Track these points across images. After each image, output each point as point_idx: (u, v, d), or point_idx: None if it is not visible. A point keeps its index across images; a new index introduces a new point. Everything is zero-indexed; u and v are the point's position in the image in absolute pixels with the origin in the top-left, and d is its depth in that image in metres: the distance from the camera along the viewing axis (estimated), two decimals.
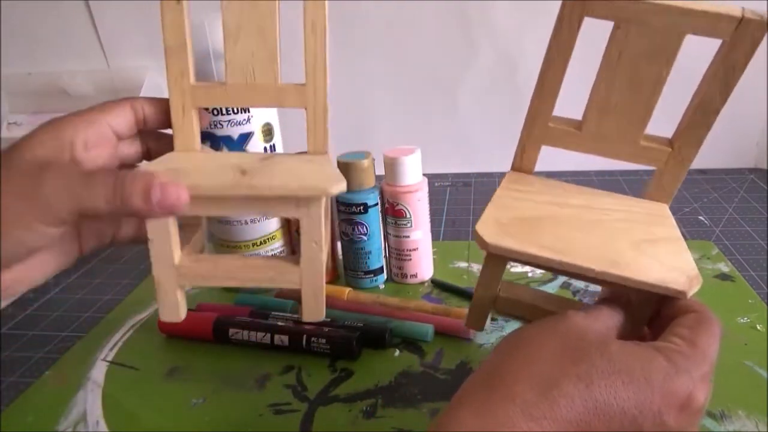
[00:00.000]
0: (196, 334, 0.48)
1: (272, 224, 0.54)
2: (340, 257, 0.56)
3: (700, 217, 0.66)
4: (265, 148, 0.51)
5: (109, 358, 0.48)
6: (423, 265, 0.55)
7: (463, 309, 0.49)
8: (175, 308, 0.32)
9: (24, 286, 0.30)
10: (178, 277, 0.31)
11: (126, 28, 0.86)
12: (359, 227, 0.52)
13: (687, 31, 0.29)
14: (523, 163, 0.37)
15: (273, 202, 0.31)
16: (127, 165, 0.35)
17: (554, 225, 0.32)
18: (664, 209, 0.34)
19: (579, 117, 0.35)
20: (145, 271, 0.63)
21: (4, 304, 0.30)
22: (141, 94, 0.76)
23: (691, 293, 0.28)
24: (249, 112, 0.49)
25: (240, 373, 0.45)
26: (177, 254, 0.31)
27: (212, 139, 0.49)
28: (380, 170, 0.52)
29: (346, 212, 0.52)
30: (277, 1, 0.33)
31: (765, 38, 0.29)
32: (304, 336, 0.45)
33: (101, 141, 0.32)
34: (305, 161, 0.34)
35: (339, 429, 0.38)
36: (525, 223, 0.32)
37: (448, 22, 0.80)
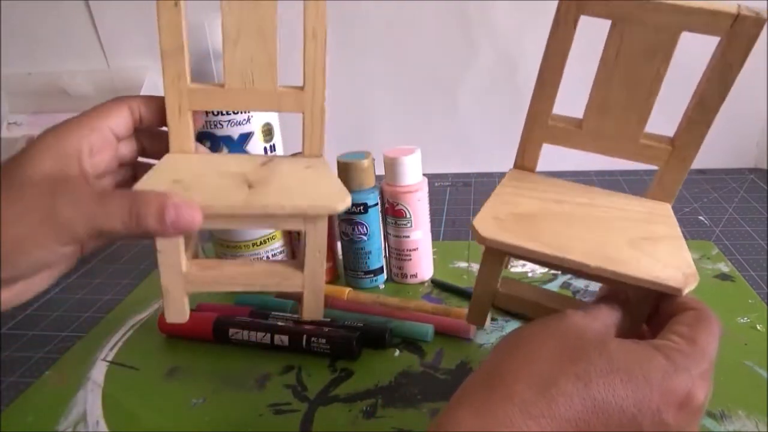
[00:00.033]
0: (196, 334, 0.48)
1: None
2: (340, 257, 0.57)
3: (700, 217, 0.66)
4: (265, 149, 0.51)
5: (109, 358, 0.48)
6: (423, 265, 0.55)
7: (463, 309, 0.49)
8: (181, 311, 0.33)
9: (25, 298, 0.30)
10: (185, 284, 0.32)
11: (126, 28, 0.86)
12: (359, 227, 0.52)
13: (682, 29, 0.29)
14: (525, 161, 0.37)
15: (282, 219, 0.32)
16: (124, 164, 0.35)
17: (552, 221, 0.32)
18: (666, 209, 0.34)
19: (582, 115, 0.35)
20: (145, 271, 0.63)
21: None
22: (140, 94, 0.76)
23: (686, 291, 0.28)
24: (249, 112, 0.49)
25: (240, 373, 0.45)
26: (184, 263, 0.32)
27: (212, 139, 0.49)
28: (380, 170, 0.52)
29: (346, 212, 0.52)
30: (276, 6, 0.33)
31: (764, 36, 0.29)
32: (304, 336, 0.45)
33: (104, 146, 0.32)
34: (304, 166, 0.35)
35: (339, 429, 0.38)
36: (522, 219, 0.32)
37: (448, 22, 0.80)
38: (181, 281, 0.32)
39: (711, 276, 0.53)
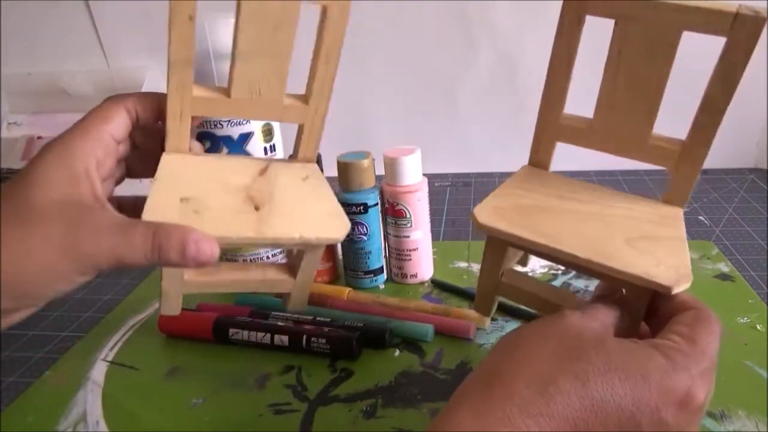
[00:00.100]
0: (196, 334, 0.48)
1: None
2: (340, 257, 0.57)
3: (700, 217, 0.66)
4: (265, 149, 0.51)
5: (109, 358, 0.48)
6: (423, 265, 0.55)
7: (463, 309, 0.49)
8: (175, 309, 0.35)
9: (26, 315, 0.30)
10: (183, 287, 0.34)
11: (126, 28, 0.86)
12: (359, 227, 0.52)
13: (683, 28, 0.29)
14: (539, 159, 0.37)
15: (288, 244, 0.34)
16: (120, 161, 0.35)
17: (552, 214, 0.32)
18: (677, 212, 0.34)
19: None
20: (145, 271, 0.63)
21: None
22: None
23: (677, 290, 0.27)
24: None
25: (240, 373, 0.45)
26: (186, 270, 0.33)
27: (212, 139, 0.49)
28: (380, 170, 0.52)
29: (346, 212, 0.52)
30: (296, 30, 0.33)
31: (764, 36, 0.29)
32: (304, 336, 0.45)
33: (108, 155, 0.32)
34: (301, 178, 0.36)
35: (339, 429, 0.38)
36: (523, 210, 0.32)
37: (448, 22, 0.80)
38: (181, 285, 0.34)
39: (711, 276, 0.53)
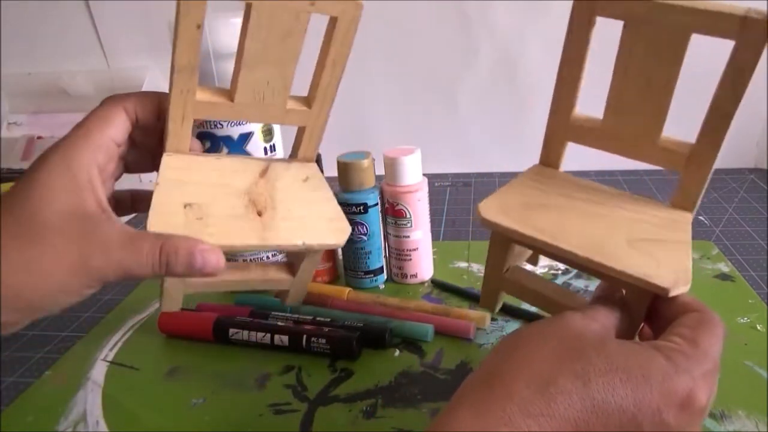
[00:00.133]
0: (196, 334, 0.48)
1: None
2: (340, 257, 0.57)
3: (700, 217, 0.66)
4: (265, 149, 0.51)
5: (109, 358, 0.48)
6: (423, 265, 0.55)
7: (463, 309, 0.49)
8: (176, 305, 0.35)
9: (30, 322, 0.30)
10: (185, 287, 0.34)
11: (126, 28, 0.86)
12: (359, 227, 0.52)
13: (692, 30, 0.29)
14: (549, 158, 0.37)
15: (290, 251, 0.35)
16: (118, 160, 0.35)
17: (557, 212, 0.33)
18: (685, 217, 0.34)
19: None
20: None
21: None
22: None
23: (674, 292, 0.27)
24: None
25: (240, 373, 0.45)
26: None
27: (212, 139, 0.49)
28: (380, 170, 0.52)
29: (346, 212, 0.52)
30: (303, 39, 0.33)
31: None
32: (304, 336, 0.45)
33: (110, 159, 0.32)
34: (302, 179, 0.37)
35: (339, 429, 0.38)
36: (527, 208, 0.33)
37: (448, 22, 0.80)
38: (182, 285, 0.34)
39: (711, 276, 0.53)
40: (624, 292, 0.31)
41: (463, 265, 0.59)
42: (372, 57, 0.81)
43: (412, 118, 0.86)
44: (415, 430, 0.38)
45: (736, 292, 0.51)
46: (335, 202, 0.37)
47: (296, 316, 0.49)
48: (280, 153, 0.53)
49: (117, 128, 0.32)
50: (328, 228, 0.35)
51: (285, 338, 0.46)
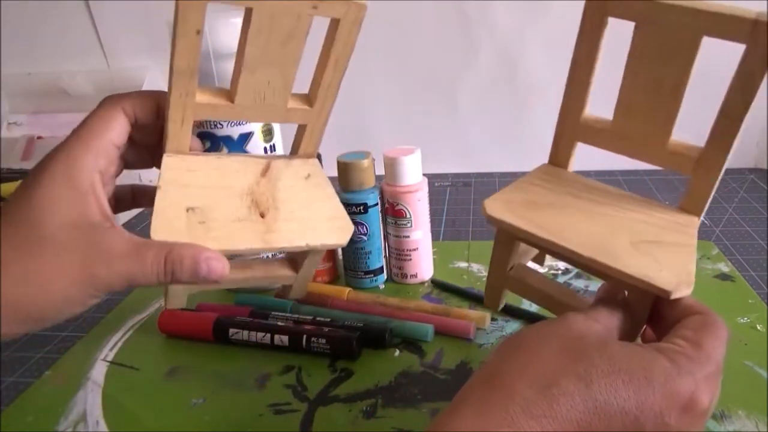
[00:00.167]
0: (196, 334, 0.48)
1: None
2: (340, 257, 0.56)
3: None
4: (265, 149, 0.51)
5: (109, 358, 0.48)
6: (423, 265, 0.55)
7: (463, 309, 0.49)
8: (179, 303, 0.36)
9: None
10: (188, 287, 0.34)
11: (126, 28, 0.86)
12: (359, 227, 0.52)
13: (702, 33, 0.29)
14: (558, 158, 0.37)
15: (293, 251, 0.35)
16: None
17: (562, 211, 0.33)
18: (692, 221, 0.33)
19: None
20: None
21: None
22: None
23: (676, 295, 0.27)
24: None
25: (240, 373, 0.45)
26: None
27: (212, 139, 0.49)
28: (380, 170, 0.52)
29: (347, 212, 0.52)
30: (305, 42, 0.33)
31: None
32: (304, 336, 0.45)
33: (110, 164, 0.32)
34: (303, 176, 0.36)
35: (339, 429, 0.38)
36: (532, 205, 0.33)
37: (448, 22, 0.80)
38: (187, 285, 0.34)
39: (711, 276, 0.53)
40: (626, 293, 0.31)
41: (463, 265, 0.59)
42: (372, 57, 0.81)
43: (412, 118, 0.86)
44: (415, 430, 0.38)
45: (736, 292, 0.51)
46: (337, 199, 0.36)
47: (296, 316, 0.49)
48: (280, 153, 0.53)
49: (117, 131, 0.32)
50: (331, 227, 0.35)
51: (285, 338, 0.46)
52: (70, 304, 0.29)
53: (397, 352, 0.46)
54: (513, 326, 0.48)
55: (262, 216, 0.33)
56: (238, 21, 0.32)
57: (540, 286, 0.34)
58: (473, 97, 0.84)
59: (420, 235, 0.54)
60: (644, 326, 0.31)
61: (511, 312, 0.49)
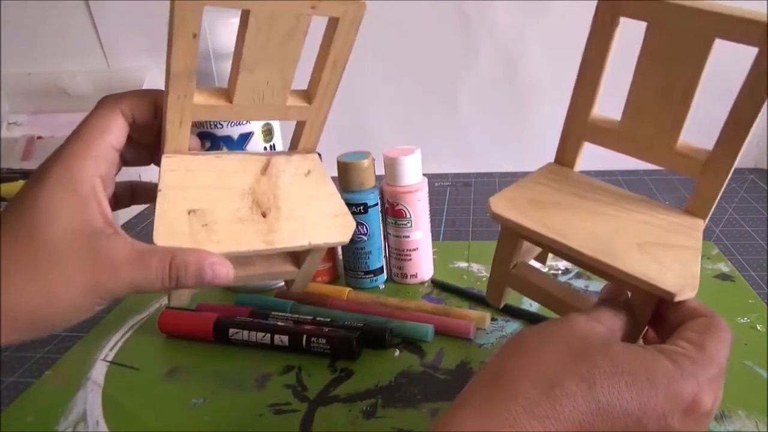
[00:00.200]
0: (196, 334, 0.48)
1: None
2: (340, 257, 0.56)
3: None
4: (265, 149, 0.51)
5: (109, 358, 0.48)
6: (423, 265, 0.55)
7: (463, 309, 0.49)
8: (184, 302, 0.36)
9: None
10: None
11: (126, 28, 0.86)
12: (359, 227, 0.52)
13: (715, 35, 0.29)
14: (564, 157, 0.37)
15: (296, 250, 0.35)
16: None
17: (567, 211, 0.32)
18: (696, 224, 0.33)
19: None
20: None
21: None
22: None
23: (680, 297, 0.27)
24: None
25: (240, 373, 0.45)
26: None
27: (212, 139, 0.49)
28: (380, 170, 0.52)
29: None
30: (303, 42, 0.33)
31: None
32: (304, 336, 0.45)
33: (110, 167, 0.32)
34: (303, 173, 0.36)
35: (339, 429, 0.38)
36: (537, 204, 0.33)
37: (448, 22, 0.80)
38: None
39: (711, 276, 0.53)
40: (629, 294, 0.31)
41: (463, 265, 0.59)
42: (372, 57, 0.81)
43: (412, 118, 0.86)
44: (415, 430, 0.38)
45: (736, 292, 0.51)
46: (338, 196, 0.36)
47: (296, 316, 0.49)
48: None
49: (116, 134, 0.31)
50: (333, 225, 0.35)
51: (285, 338, 0.46)
52: (76, 312, 0.29)
53: (397, 352, 0.46)
54: (513, 326, 0.48)
55: (264, 216, 0.33)
56: (237, 21, 0.32)
57: (542, 285, 0.34)
58: (473, 97, 0.84)
59: (420, 235, 0.54)
60: (646, 328, 0.31)
61: (511, 312, 0.49)
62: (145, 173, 0.79)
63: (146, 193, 0.38)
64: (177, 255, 0.30)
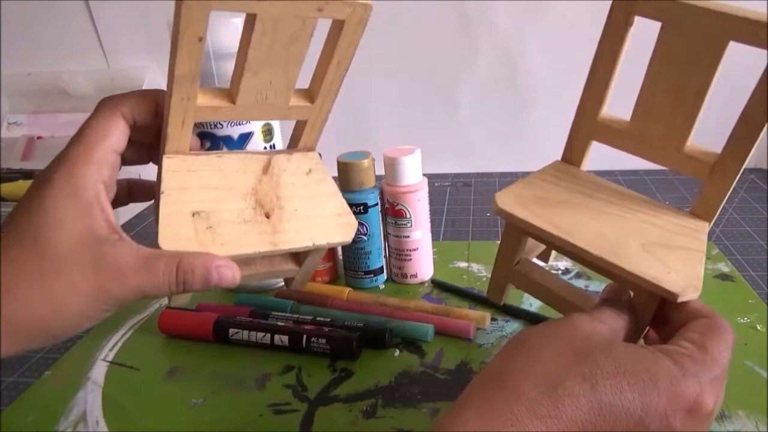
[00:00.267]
0: (196, 334, 0.48)
1: None
2: (340, 257, 0.56)
3: None
4: (265, 148, 0.51)
5: (109, 358, 0.48)
6: (423, 265, 0.55)
7: (463, 309, 0.49)
8: (185, 300, 0.35)
9: None
10: None
11: (126, 28, 0.86)
12: (359, 227, 0.52)
13: (729, 38, 0.28)
14: (572, 156, 0.37)
15: (299, 250, 0.35)
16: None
17: (573, 209, 0.32)
18: (701, 226, 0.33)
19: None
20: None
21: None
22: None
23: (683, 298, 0.27)
24: None
25: (240, 373, 0.45)
26: None
27: (212, 139, 0.49)
28: (380, 170, 0.52)
29: None
30: (308, 45, 0.32)
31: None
32: (304, 336, 0.45)
33: (112, 172, 0.31)
34: (305, 172, 0.37)
35: (339, 429, 0.38)
36: (543, 201, 0.32)
37: (448, 22, 0.80)
38: None
39: (711, 276, 0.53)
40: (632, 294, 0.31)
41: (463, 265, 0.59)
42: (372, 57, 0.81)
43: (412, 118, 0.86)
44: (415, 430, 0.38)
45: (736, 292, 0.51)
46: (340, 195, 0.37)
47: (296, 316, 0.49)
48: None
49: (117, 137, 0.31)
50: (335, 224, 0.35)
51: (285, 338, 0.46)
52: (82, 320, 0.29)
53: (397, 352, 0.46)
54: (513, 326, 0.48)
55: (267, 216, 0.33)
56: (238, 21, 0.31)
57: (545, 282, 0.34)
58: (473, 97, 0.84)
59: (420, 235, 0.54)
60: (647, 328, 0.31)
61: (511, 312, 0.49)
62: (144, 172, 0.79)
63: (144, 192, 0.37)
64: (183, 259, 0.29)
